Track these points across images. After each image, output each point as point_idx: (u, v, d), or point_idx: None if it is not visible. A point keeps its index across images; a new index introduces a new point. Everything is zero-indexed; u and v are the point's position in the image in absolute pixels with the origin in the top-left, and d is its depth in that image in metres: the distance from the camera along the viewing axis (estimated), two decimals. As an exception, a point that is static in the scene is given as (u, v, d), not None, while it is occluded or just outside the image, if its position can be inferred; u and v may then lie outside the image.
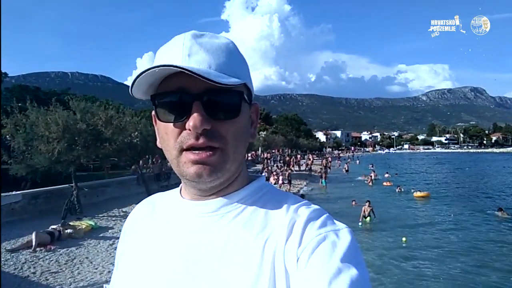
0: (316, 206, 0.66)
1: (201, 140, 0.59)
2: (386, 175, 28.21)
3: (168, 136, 0.62)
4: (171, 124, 0.61)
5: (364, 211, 12.70)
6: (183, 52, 0.60)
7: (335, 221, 0.63)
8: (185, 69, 0.54)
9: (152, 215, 0.75)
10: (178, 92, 0.60)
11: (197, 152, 0.59)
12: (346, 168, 37.80)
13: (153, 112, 0.65)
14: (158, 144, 0.68)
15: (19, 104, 10.94)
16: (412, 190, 19.54)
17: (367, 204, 12.89)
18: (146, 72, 0.57)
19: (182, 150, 0.61)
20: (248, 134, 0.68)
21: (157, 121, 0.65)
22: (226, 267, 0.59)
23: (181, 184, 0.73)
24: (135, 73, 0.58)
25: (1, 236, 7.33)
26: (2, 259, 6.64)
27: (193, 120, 0.57)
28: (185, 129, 0.59)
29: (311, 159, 37.80)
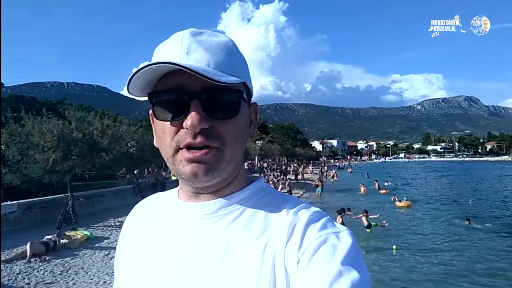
0: (317, 209, 0.65)
1: (199, 139, 0.58)
2: (386, 184, 28.40)
3: (164, 134, 0.61)
4: (168, 122, 0.60)
5: (363, 222, 12.32)
6: (181, 49, 0.59)
7: (335, 223, 0.63)
8: (183, 67, 0.53)
9: (150, 216, 0.74)
10: (176, 90, 0.58)
11: (193, 150, 0.58)
12: (332, 175, 37.42)
13: (150, 111, 0.63)
14: (155, 143, 0.67)
15: (15, 114, 10.91)
16: (405, 198, 19.67)
17: (363, 213, 12.54)
18: (143, 70, 0.55)
19: (178, 148, 0.60)
20: (246, 134, 0.67)
21: (154, 119, 0.63)
22: (226, 270, 0.58)
23: (179, 185, 0.72)
24: (133, 71, 0.57)
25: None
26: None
27: (191, 119, 0.56)
28: (183, 128, 0.58)
29: (292, 167, 36.75)
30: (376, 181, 27.52)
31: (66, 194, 10.99)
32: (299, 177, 31.52)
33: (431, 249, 10.78)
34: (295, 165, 41.31)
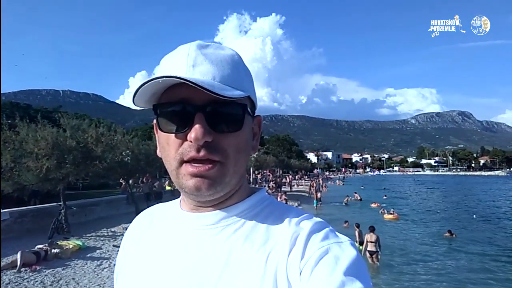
0: (319, 219, 0.65)
1: (202, 153, 0.58)
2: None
3: (169, 146, 0.61)
4: (173, 134, 0.60)
5: (358, 236, 11.19)
6: (187, 62, 0.59)
7: (337, 233, 0.63)
8: (188, 81, 0.53)
9: (151, 227, 0.73)
10: (181, 102, 0.59)
11: (196, 165, 0.58)
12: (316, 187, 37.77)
13: (154, 121, 0.64)
14: (158, 153, 0.67)
15: (9, 121, 10.84)
16: (392, 210, 20.08)
17: (358, 230, 11.49)
18: (150, 83, 0.56)
19: (182, 161, 0.60)
20: (249, 147, 0.67)
21: (159, 131, 0.63)
22: (227, 281, 0.58)
23: (181, 196, 0.72)
24: (136, 85, 0.57)
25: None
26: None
27: (195, 132, 0.56)
28: (187, 140, 0.58)
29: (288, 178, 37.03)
30: (356, 192, 29.70)
31: (59, 203, 10.87)
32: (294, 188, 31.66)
33: (408, 262, 10.95)
34: (290, 177, 41.33)
